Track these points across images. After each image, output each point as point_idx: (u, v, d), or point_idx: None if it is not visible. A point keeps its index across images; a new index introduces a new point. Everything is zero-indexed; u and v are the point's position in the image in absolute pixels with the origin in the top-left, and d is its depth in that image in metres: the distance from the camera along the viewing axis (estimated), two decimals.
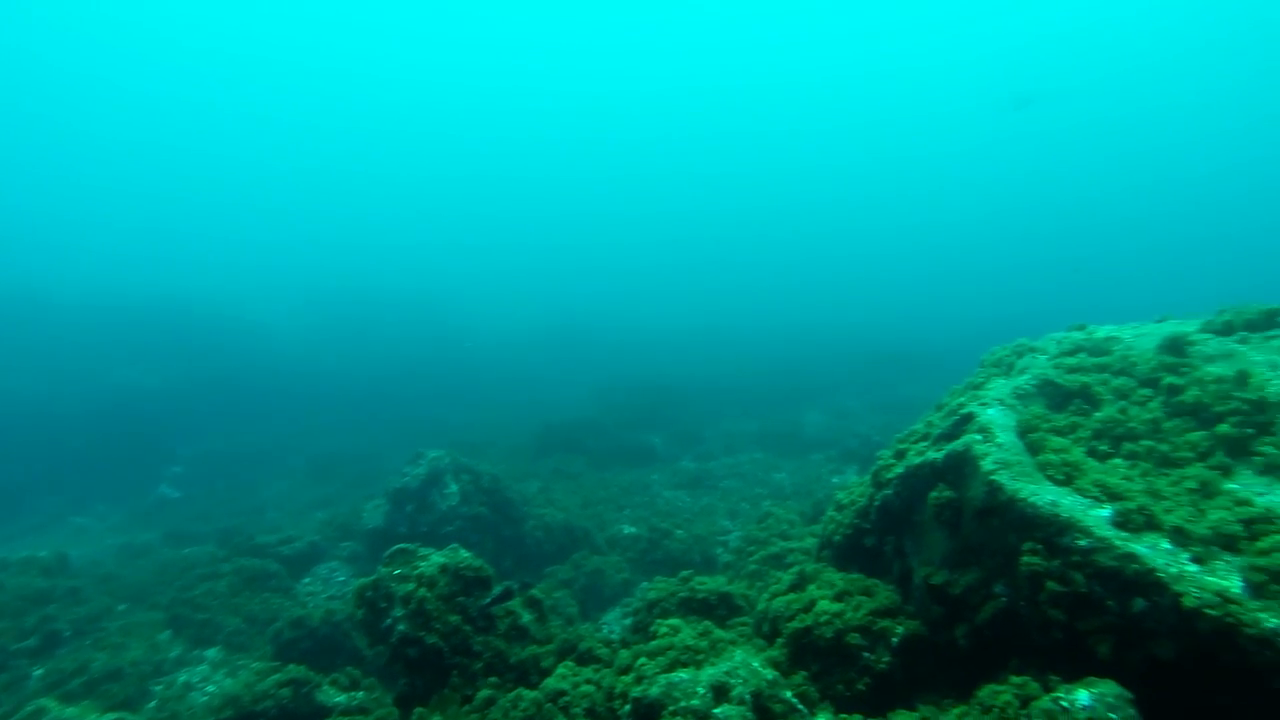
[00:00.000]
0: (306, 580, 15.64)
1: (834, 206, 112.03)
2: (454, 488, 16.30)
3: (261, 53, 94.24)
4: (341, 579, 15.50)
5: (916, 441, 7.41)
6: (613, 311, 70.05)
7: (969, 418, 6.64)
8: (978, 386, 8.08)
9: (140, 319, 45.42)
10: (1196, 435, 6.40)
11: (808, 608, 6.54)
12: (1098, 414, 7.03)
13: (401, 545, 8.97)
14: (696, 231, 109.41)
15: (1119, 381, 7.41)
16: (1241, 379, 6.53)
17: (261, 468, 29.16)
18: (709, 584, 8.47)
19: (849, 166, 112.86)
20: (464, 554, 9.07)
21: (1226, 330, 7.56)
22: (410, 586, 8.30)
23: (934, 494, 6.38)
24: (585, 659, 7.88)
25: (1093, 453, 6.60)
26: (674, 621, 7.10)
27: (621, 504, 20.03)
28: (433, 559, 8.84)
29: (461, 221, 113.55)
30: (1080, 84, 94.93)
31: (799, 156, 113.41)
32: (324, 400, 40.30)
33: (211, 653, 12.89)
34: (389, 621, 8.39)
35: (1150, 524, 5.33)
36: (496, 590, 9.15)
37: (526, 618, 9.10)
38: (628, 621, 10.54)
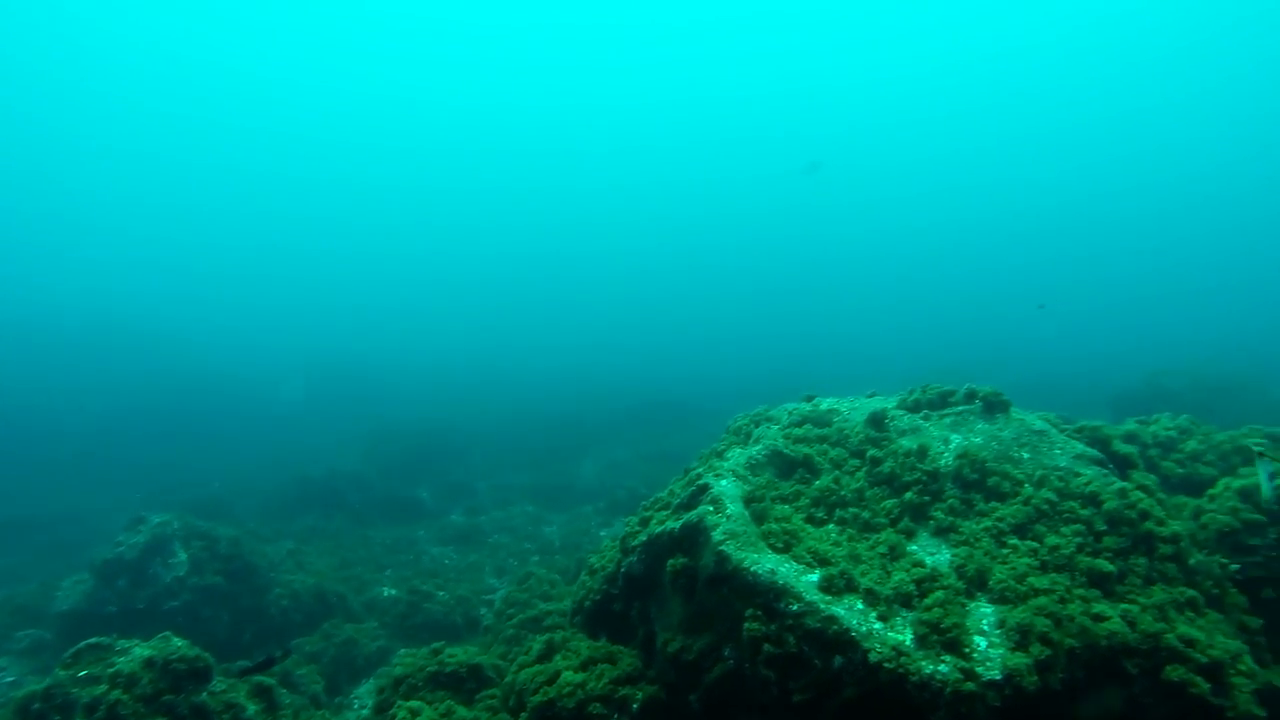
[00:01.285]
0: None
1: (616, 239, 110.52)
2: (183, 556, 14.41)
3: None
4: (11, 679, 12.60)
5: (660, 510, 7.83)
6: (379, 349, 65.36)
7: (704, 488, 7.17)
8: (720, 454, 8.75)
9: None
10: (890, 502, 7.41)
11: (552, 679, 6.57)
12: (817, 482, 7.88)
13: (93, 640, 7.65)
14: (477, 265, 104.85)
15: (835, 452, 8.38)
16: (922, 452, 7.72)
17: None
18: (459, 655, 8.19)
19: (643, 196, 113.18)
20: (177, 642, 7.95)
21: (915, 408, 8.88)
22: (100, 689, 7.08)
23: (672, 561, 6.77)
24: None
25: (811, 519, 7.37)
26: (414, 704, 6.75)
27: (383, 563, 18.92)
28: (135, 652, 7.64)
29: (205, 241, 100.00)
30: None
31: (594, 177, 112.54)
32: (7, 449, 33.39)
33: None
34: None
35: (850, 586, 6.04)
36: (259, 658, 8.19)
37: (251, 709, 8.16)
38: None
